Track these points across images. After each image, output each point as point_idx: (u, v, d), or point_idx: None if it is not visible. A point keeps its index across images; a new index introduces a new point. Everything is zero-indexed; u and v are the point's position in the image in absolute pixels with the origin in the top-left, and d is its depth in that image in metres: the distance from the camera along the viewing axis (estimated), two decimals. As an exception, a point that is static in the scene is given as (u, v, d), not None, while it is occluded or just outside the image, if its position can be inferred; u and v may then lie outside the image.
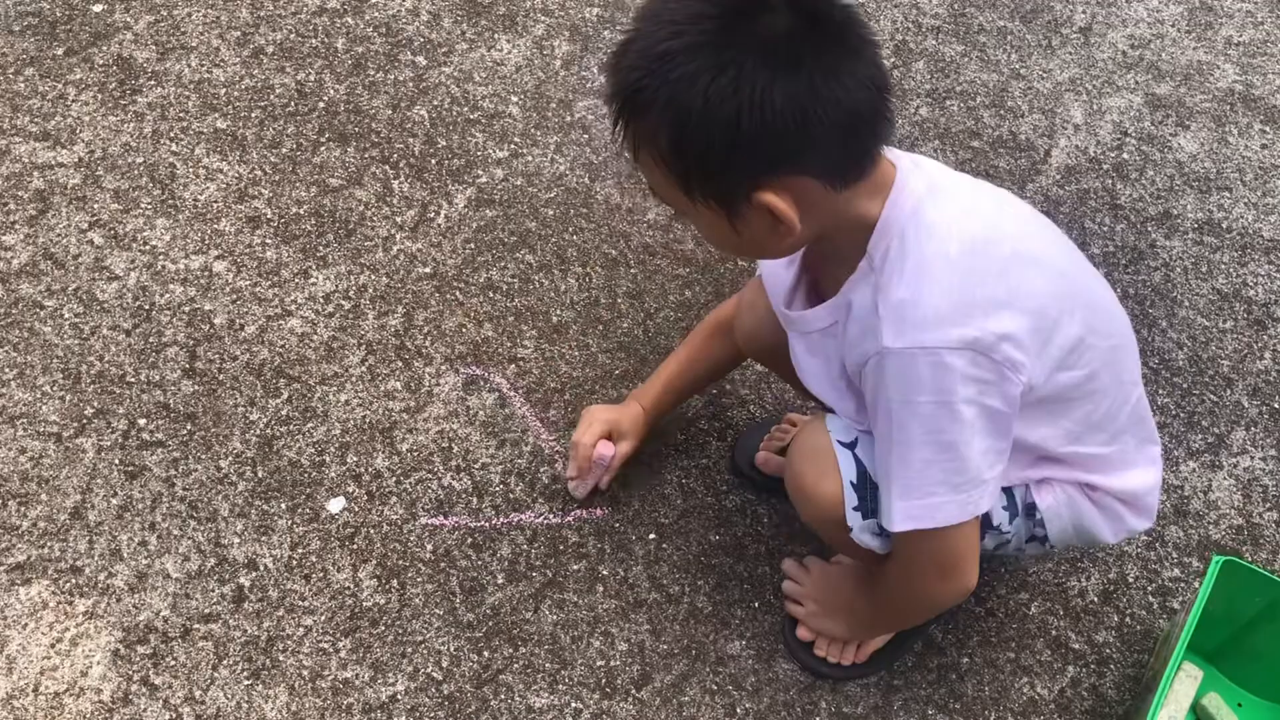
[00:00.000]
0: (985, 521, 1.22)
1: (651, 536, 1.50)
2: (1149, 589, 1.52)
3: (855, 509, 1.18)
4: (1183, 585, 1.53)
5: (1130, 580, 1.53)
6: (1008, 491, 1.24)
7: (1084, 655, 1.45)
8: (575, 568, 1.47)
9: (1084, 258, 1.21)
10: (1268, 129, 2.14)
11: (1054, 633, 1.47)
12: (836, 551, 1.46)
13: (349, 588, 1.43)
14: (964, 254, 1.04)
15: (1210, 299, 1.87)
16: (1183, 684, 1.37)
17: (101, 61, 2.00)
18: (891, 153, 1.10)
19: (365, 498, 1.51)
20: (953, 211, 1.07)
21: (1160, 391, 1.73)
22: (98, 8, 2.09)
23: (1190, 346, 1.80)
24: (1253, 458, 1.67)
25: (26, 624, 1.36)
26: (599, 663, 1.39)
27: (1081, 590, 1.51)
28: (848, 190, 1.03)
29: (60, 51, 2.00)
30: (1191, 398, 1.74)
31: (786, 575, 1.46)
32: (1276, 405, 1.73)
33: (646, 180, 1.08)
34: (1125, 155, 2.08)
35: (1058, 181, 2.02)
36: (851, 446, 1.19)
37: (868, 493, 1.18)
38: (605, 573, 1.46)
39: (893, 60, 2.19)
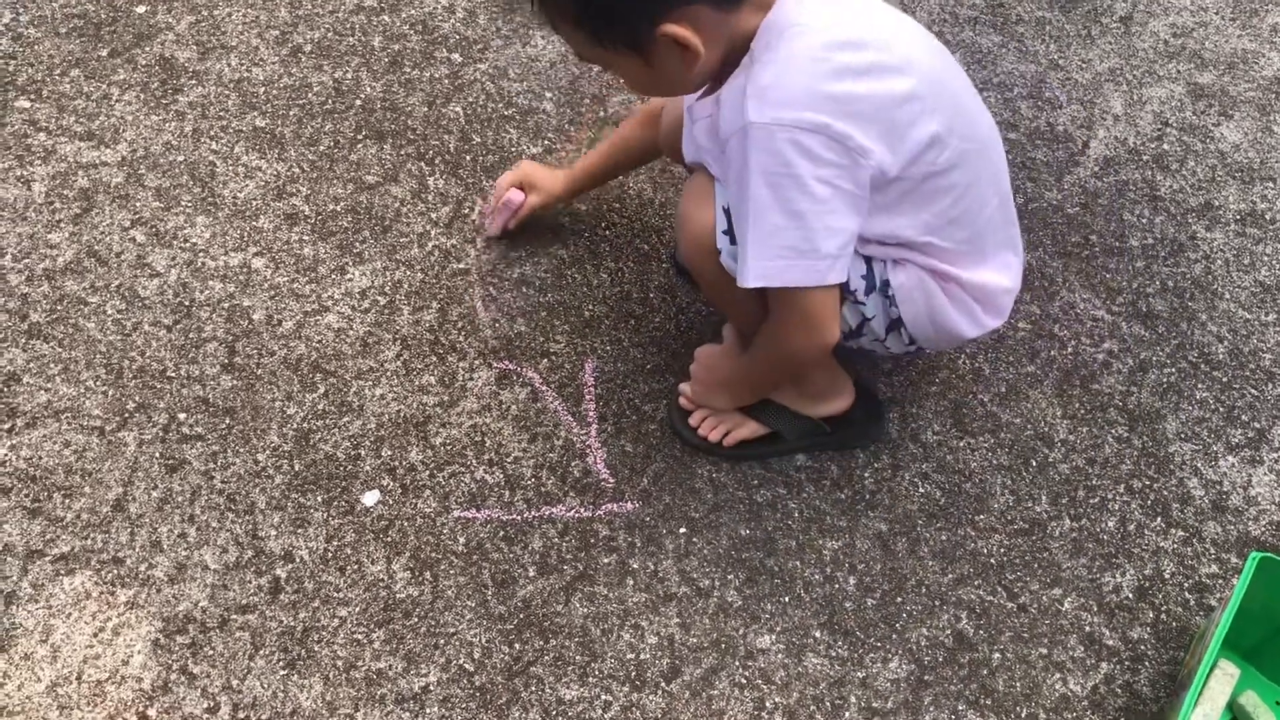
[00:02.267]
0: (844, 291, 1.34)
1: (682, 530, 1.51)
2: (1185, 585, 1.50)
3: (724, 233, 1.32)
4: (1220, 582, 1.51)
5: (1166, 576, 1.51)
6: (867, 262, 1.35)
7: (1118, 652, 1.44)
8: (606, 561, 1.48)
9: (956, 66, 1.34)
10: (1314, 118, 2.10)
11: (1088, 629, 1.45)
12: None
13: (383, 580, 1.45)
14: (828, 50, 1.18)
15: (1252, 291, 1.84)
16: (1219, 681, 1.35)
17: (144, 62, 2.04)
18: None
19: (399, 491, 1.53)
20: (825, 17, 1.20)
21: (1199, 386, 1.71)
22: (141, 9, 2.12)
23: (1231, 340, 1.78)
24: (1294, 453, 1.64)
25: (70, 613, 1.39)
26: (629, 655, 1.40)
27: (1116, 586, 1.49)
28: (736, 10, 1.20)
29: (105, 52, 2.04)
30: (1231, 392, 1.71)
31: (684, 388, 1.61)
32: (1320, 400, 1.70)
33: (572, 49, 1.27)
34: (1166, 146, 2.05)
35: (1095, 173, 1.99)
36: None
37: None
38: (635, 566, 1.47)
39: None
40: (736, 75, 1.22)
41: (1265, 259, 1.88)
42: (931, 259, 1.34)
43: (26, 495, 1.49)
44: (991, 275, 1.38)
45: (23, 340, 1.64)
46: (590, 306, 1.76)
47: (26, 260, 1.74)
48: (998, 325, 1.45)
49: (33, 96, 1.96)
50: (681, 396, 1.61)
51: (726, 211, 1.31)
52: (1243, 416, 1.68)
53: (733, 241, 1.31)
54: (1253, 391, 1.71)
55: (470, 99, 2.03)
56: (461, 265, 1.79)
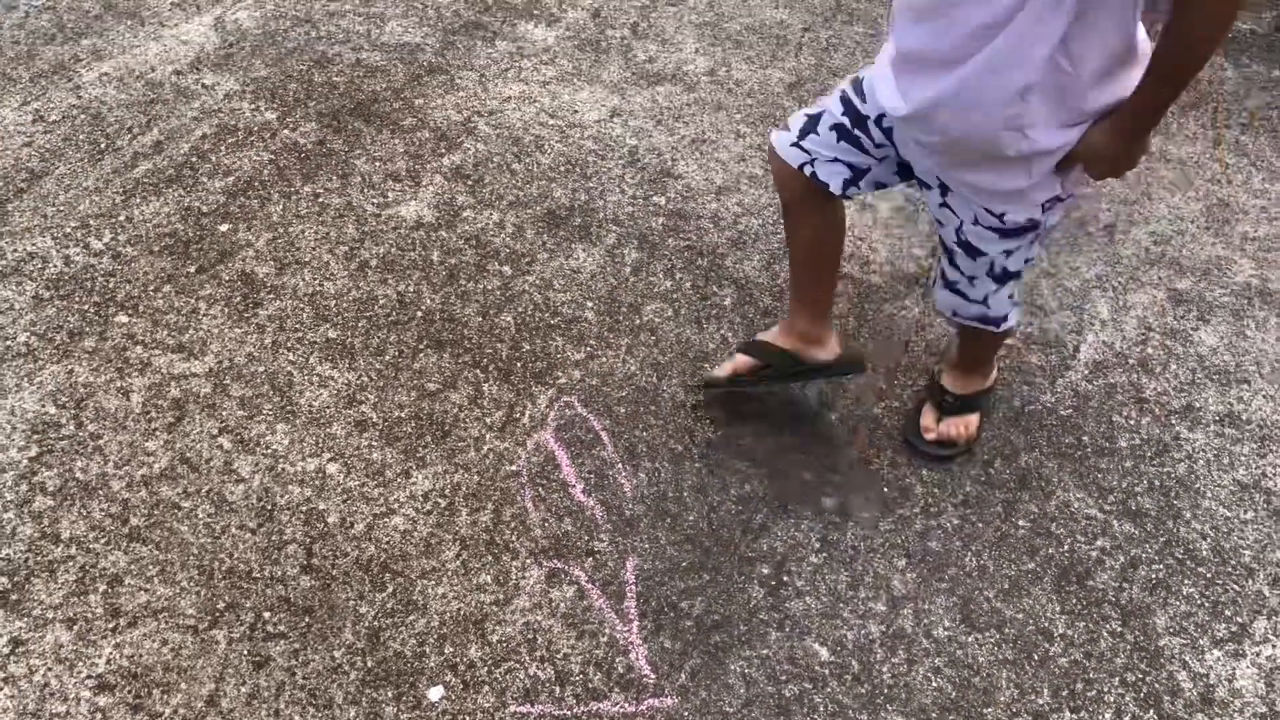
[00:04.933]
0: None
1: (717, 725, 1.67)
2: (1178, 776, 1.65)
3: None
4: (1210, 773, 1.65)
5: (1160, 767, 1.66)
6: None
7: (1117, 842, 1.58)
8: (649, 754, 1.63)
9: None
10: (1284, 322, 2.32)
11: (1089, 820, 1.60)
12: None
13: (448, 772, 1.60)
14: None
15: (1231, 490, 2.02)
16: None
17: (227, 277, 2.28)
18: None
19: (461, 686, 1.70)
20: None
21: (1186, 581, 1.88)
22: (224, 227, 2.38)
23: (1213, 537, 1.95)
24: (1275, 646, 1.80)
25: (170, 805, 1.55)
26: (672, 846, 1.55)
27: (1114, 777, 1.64)
28: None
29: (193, 269, 2.29)
30: (1215, 587, 1.88)
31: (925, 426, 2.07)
32: (1296, 595, 1.87)
33: None
34: (1149, 350, 2.26)
35: (1086, 377, 2.20)
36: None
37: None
38: (676, 759, 1.63)
39: (930, 261, 2.41)
40: None
41: (1243, 459, 2.07)
42: None
43: (129, 692, 1.66)
44: None
45: (124, 544, 1.84)
46: (630, 506, 1.95)
47: (127, 467, 1.94)
48: None
49: (130, 312, 2.19)
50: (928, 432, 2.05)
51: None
52: (1226, 611, 1.85)
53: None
54: (1235, 587, 1.88)
55: (520, 308, 2.26)
56: (513, 468, 1.99)
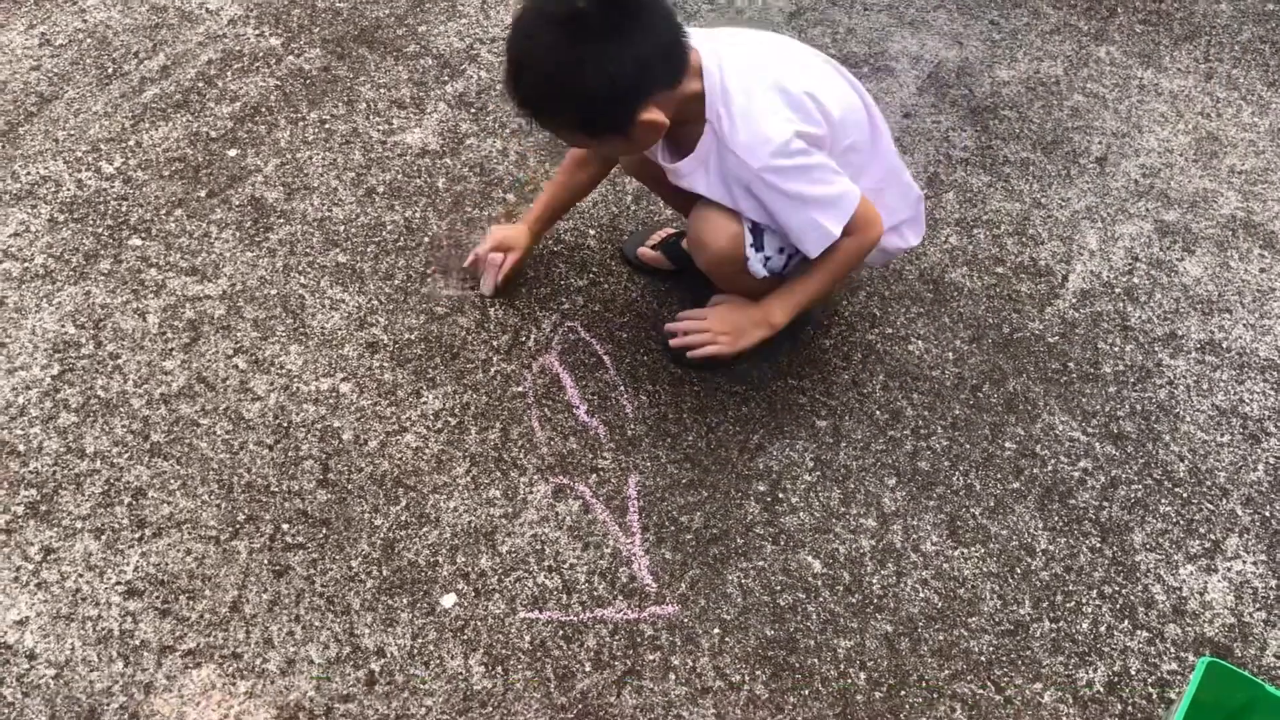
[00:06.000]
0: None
1: (715, 631, 1.76)
2: (1149, 680, 1.75)
3: (750, 245, 1.84)
4: (1179, 678, 1.76)
5: (1133, 673, 1.76)
6: None
7: (1089, 740, 1.69)
8: (651, 658, 1.73)
9: (841, 77, 1.88)
10: (1266, 254, 2.39)
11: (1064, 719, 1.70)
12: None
13: (461, 674, 1.70)
14: (767, 91, 1.72)
15: (1210, 415, 2.11)
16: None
17: (238, 202, 2.32)
18: (693, 37, 1.74)
19: (473, 594, 1.79)
20: (748, 69, 1.73)
21: (1163, 501, 1.97)
22: (232, 152, 2.42)
23: (1190, 459, 2.04)
24: (1244, 563, 1.90)
25: (200, 702, 1.64)
26: (673, 741, 1.65)
27: (1089, 681, 1.74)
28: (681, 83, 1.69)
29: (203, 193, 2.33)
30: (1190, 506, 1.97)
31: (680, 330, 1.99)
32: (1267, 514, 1.96)
33: (560, 139, 1.86)
34: (1136, 279, 2.33)
35: (1073, 305, 2.27)
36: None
37: (758, 236, 1.84)
38: (676, 663, 1.72)
39: (926, 191, 2.46)
40: (711, 144, 1.75)
41: (1221, 385, 2.15)
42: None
43: (157, 597, 1.74)
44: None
45: (146, 458, 1.91)
46: (632, 426, 2.02)
47: (146, 385, 2.01)
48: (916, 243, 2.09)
49: (143, 235, 2.24)
50: (672, 339, 2.05)
51: (753, 230, 1.83)
52: (1200, 529, 1.94)
53: (756, 250, 1.84)
54: (1209, 506, 1.97)
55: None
56: (520, 389, 2.06)
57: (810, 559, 1.86)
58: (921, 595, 1.83)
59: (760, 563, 1.85)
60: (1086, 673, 1.76)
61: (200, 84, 2.64)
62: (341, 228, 2.30)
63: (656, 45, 1.65)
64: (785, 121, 1.71)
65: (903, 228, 2.03)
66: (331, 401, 2.02)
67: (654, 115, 1.66)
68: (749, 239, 1.84)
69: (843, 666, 1.74)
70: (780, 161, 1.70)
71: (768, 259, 1.86)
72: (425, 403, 2.03)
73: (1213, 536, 1.93)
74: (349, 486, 1.90)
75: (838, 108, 1.80)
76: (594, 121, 1.69)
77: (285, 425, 1.98)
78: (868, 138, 1.89)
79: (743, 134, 1.71)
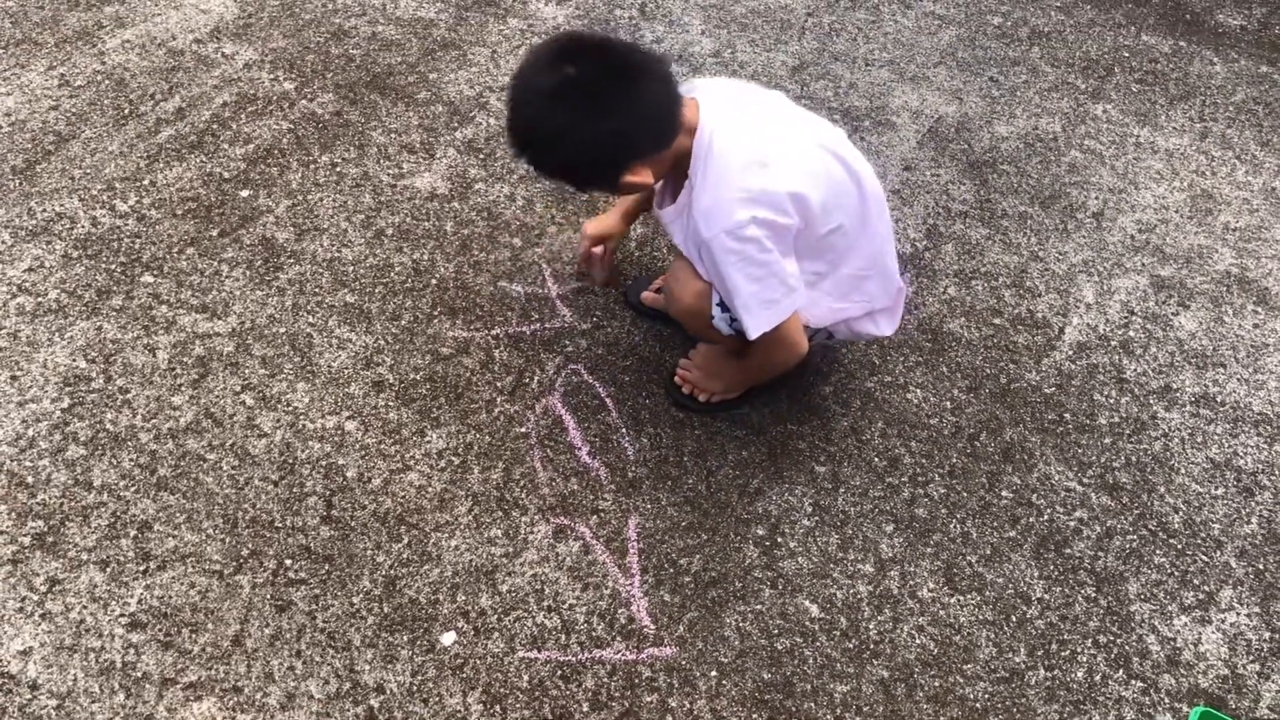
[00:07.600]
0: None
1: (713, 673, 1.78)
2: (1143, 731, 1.76)
3: (717, 304, 1.88)
4: (1173, 728, 1.77)
5: (1127, 722, 1.77)
6: None
7: (1083, 789, 1.69)
8: (648, 700, 1.74)
9: (834, 156, 1.85)
10: (1260, 309, 2.42)
11: (1058, 768, 1.71)
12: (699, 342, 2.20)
13: (459, 712, 1.71)
14: (746, 166, 1.73)
15: (1204, 467, 2.13)
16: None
17: (249, 241, 2.37)
18: (697, 89, 1.84)
19: (472, 632, 1.80)
20: (736, 137, 1.75)
21: (1158, 552, 1.99)
22: (244, 193, 2.46)
23: (1185, 511, 2.06)
24: (1238, 614, 1.91)
25: (199, 735, 1.65)
26: (669, 782, 1.65)
27: (1083, 730, 1.75)
28: (671, 144, 1.74)
29: (215, 233, 2.37)
30: (1185, 558, 1.99)
31: (680, 366, 2.17)
32: (1261, 567, 1.98)
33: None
34: (1131, 333, 2.36)
35: (1070, 357, 2.30)
36: None
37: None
38: (674, 704, 1.73)
39: (925, 243, 2.51)
40: (683, 195, 1.81)
41: (1215, 438, 2.18)
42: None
43: (160, 630, 1.76)
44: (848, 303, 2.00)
45: (153, 492, 1.93)
46: (634, 469, 2.05)
47: (154, 420, 2.04)
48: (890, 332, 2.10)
49: (155, 272, 2.28)
50: (677, 376, 2.17)
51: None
52: (1195, 580, 1.96)
53: (724, 310, 1.87)
54: (1204, 558, 1.99)
55: (530, 279, 2.35)
56: (523, 429, 2.09)
57: (808, 603, 1.87)
58: (918, 641, 1.84)
59: (758, 606, 1.86)
60: (1081, 722, 1.77)
61: (215, 126, 2.69)
62: (350, 268, 2.34)
63: (642, 116, 1.69)
64: (750, 204, 1.71)
65: (878, 316, 2.05)
66: (337, 439, 2.04)
67: (637, 177, 1.73)
68: (715, 297, 1.87)
69: (839, 711, 1.75)
70: (728, 241, 1.73)
71: (733, 320, 1.88)
72: (429, 442, 2.05)
73: (1207, 588, 1.95)
74: (352, 523, 1.92)
75: (822, 194, 1.79)
76: (577, 181, 1.84)
77: (290, 462, 2.00)
78: (857, 220, 1.88)
79: (706, 199, 1.74)
